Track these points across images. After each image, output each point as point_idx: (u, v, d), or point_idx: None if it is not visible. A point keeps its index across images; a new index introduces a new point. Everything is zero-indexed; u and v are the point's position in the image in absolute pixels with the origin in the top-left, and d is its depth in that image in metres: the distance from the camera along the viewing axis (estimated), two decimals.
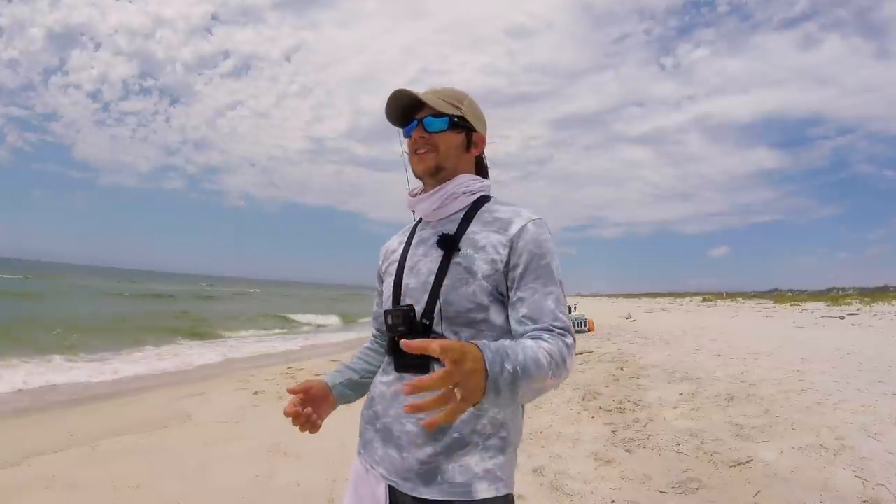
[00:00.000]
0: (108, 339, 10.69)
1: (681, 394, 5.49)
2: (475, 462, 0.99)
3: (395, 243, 1.23)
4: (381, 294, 1.24)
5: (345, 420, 4.52)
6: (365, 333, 14.63)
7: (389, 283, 1.15)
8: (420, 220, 1.19)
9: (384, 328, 1.22)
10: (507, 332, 1.04)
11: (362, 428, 1.14)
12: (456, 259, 1.04)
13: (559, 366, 0.91)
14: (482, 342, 0.81)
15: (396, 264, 1.15)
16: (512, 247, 1.03)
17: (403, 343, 0.72)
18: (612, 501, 2.89)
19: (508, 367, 0.81)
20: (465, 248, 1.05)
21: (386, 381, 1.10)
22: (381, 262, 1.26)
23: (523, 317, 1.00)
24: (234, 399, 5.27)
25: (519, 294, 1.01)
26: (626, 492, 3.00)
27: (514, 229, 1.04)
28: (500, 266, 1.02)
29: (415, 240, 1.16)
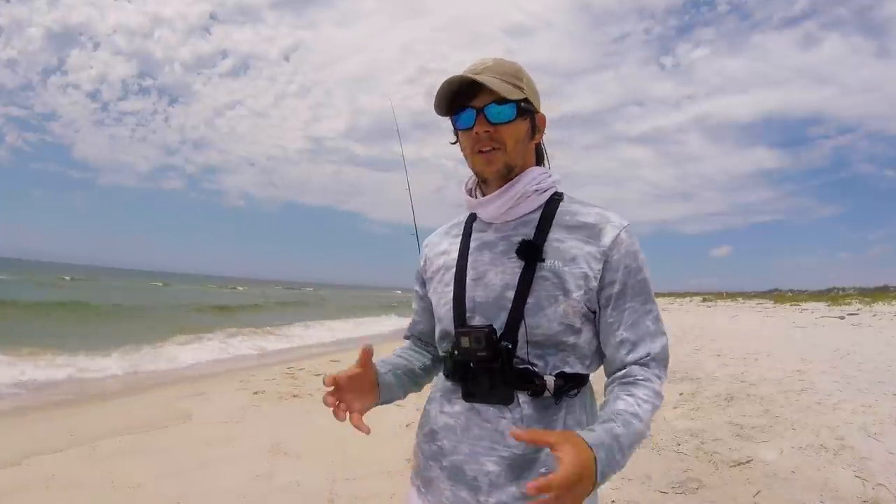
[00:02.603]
0: None
1: (681, 394, 5.49)
2: None
3: (445, 244, 1.06)
4: (421, 298, 1.11)
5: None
6: None
7: (445, 293, 0.99)
8: (473, 218, 1.04)
9: (429, 339, 1.11)
10: (595, 354, 0.94)
11: (422, 463, 1.00)
12: (541, 272, 0.89)
13: (655, 410, 0.87)
14: (596, 441, 0.76)
15: (453, 272, 0.99)
16: (606, 261, 0.90)
17: (512, 433, 0.73)
18: (612, 501, 2.89)
19: (619, 458, 0.78)
20: (550, 258, 0.90)
21: (452, 412, 0.96)
22: (423, 264, 1.10)
23: (622, 341, 0.90)
24: (234, 399, 5.27)
25: (616, 315, 0.90)
26: (626, 492, 3.00)
27: (607, 240, 0.90)
28: (594, 283, 0.89)
29: (474, 243, 0.99)
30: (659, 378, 0.90)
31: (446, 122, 1.00)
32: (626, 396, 0.86)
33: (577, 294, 0.89)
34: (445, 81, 0.92)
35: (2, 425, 4.33)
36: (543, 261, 0.90)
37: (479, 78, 0.89)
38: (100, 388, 6.14)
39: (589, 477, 0.72)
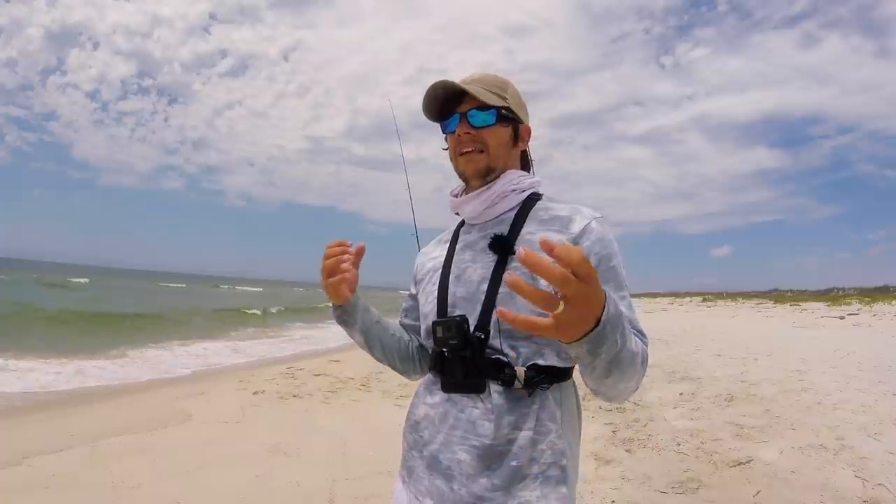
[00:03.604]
0: None
1: (681, 394, 5.49)
2: (536, 498, 0.88)
3: (437, 251, 1.12)
4: (412, 298, 1.18)
5: (345, 419, 4.53)
6: None
7: (431, 291, 1.04)
8: (462, 223, 1.10)
9: (413, 333, 1.16)
10: None
11: (406, 453, 1.04)
12: (512, 264, 0.93)
13: (644, 365, 0.83)
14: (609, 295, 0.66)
15: (439, 272, 1.04)
16: (576, 247, 0.92)
17: (521, 250, 0.57)
18: (612, 501, 2.89)
19: (618, 338, 0.68)
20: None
21: (431, 402, 0.99)
22: (415, 270, 1.17)
23: None
24: (234, 399, 5.27)
25: None
26: (626, 492, 3.00)
27: (576, 228, 0.93)
28: None
29: (459, 244, 1.05)
30: (644, 347, 0.88)
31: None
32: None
33: (544, 282, 0.88)
34: (430, 86, 0.99)
35: (2, 425, 4.33)
36: (514, 253, 0.92)
37: (462, 85, 0.97)
38: (100, 388, 6.14)
39: (598, 303, 0.63)
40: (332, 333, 13.63)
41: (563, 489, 0.90)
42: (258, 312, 19.77)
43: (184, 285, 51.25)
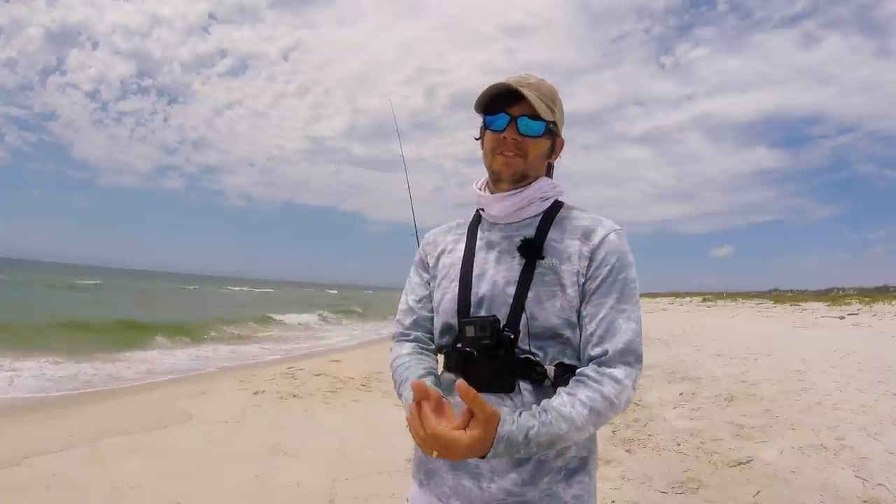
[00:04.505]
0: None
1: (681, 394, 5.49)
2: (562, 488, 0.94)
3: (449, 240, 1.11)
4: (426, 284, 1.11)
5: (345, 419, 4.53)
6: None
7: (451, 288, 1.03)
8: (478, 219, 1.10)
9: (431, 332, 1.10)
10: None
11: (423, 456, 1.03)
12: (540, 269, 0.96)
13: (601, 414, 0.87)
14: (506, 433, 0.80)
15: (459, 267, 1.04)
16: (592, 257, 0.96)
17: (459, 385, 0.74)
18: (612, 501, 2.89)
19: (522, 451, 0.83)
20: (549, 256, 0.97)
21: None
22: (424, 253, 1.14)
23: (590, 334, 0.93)
24: (234, 399, 5.27)
25: (590, 309, 0.94)
26: (626, 492, 3.00)
27: (596, 239, 0.97)
28: (582, 279, 0.95)
29: (480, 242, 1.06)
30: (615, 380, 0.88)
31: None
32: (565, 395, 0.87)
33: (571, 290, 0.95)
34: (493, 85, 0.99)
35: (2, 425, 4.33)
36: (543, 258, 0.97)
37: (523, 90, 0.97)
38: (100, 388, 6.14)
39: (476, 453, 0.79)
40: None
41: (585, 478, 0.97)
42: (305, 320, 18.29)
43: (196, 287, 50.84)
